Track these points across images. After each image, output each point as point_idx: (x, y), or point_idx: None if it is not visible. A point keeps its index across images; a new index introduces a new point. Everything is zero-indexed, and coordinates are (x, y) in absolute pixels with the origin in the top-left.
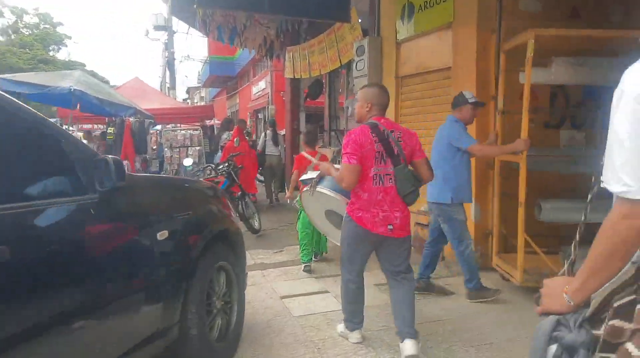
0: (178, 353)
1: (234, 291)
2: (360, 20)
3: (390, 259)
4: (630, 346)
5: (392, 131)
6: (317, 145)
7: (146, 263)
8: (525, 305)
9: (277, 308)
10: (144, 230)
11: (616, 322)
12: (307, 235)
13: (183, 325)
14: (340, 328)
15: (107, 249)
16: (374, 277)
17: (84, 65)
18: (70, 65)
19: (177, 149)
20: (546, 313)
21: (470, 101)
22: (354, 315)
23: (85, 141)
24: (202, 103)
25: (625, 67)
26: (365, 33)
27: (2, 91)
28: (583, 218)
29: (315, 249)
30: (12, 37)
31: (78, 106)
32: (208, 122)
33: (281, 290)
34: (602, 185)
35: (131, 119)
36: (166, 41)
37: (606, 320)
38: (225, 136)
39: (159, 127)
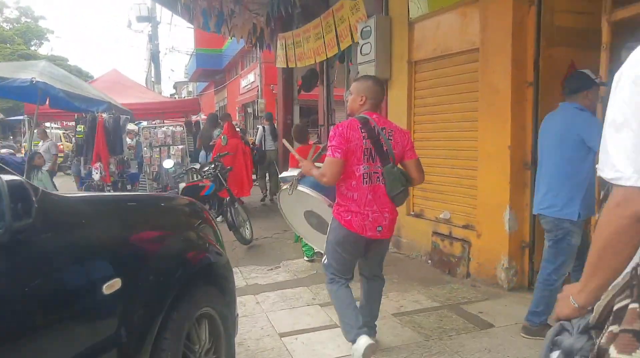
0: None
1: (221, 345)
2: None
3: (373, 260)
4: (611, 349)
5: (383, 128)
6: (309, 141)
7: (83, 332)
8: None
9: (276, 350)
10: (79, 282)
11: (614, 328)
12: None
13: None
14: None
15: (10, 321)
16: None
17: (66, 60)
18: (52, 60)
19: (158, 149)
20: (559, 319)
21: (597, 81)
22: (355, 319)
23: (41, 142)
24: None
25: None
26: (370, 14)
27: None
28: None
29: None
30: None
31: (47, 101)
32: (193, 118)
33: (280, 324)
34: (598, 174)
35: (104, 115)
36: (150, 33)
37: (607, 326)
38: (217, 132)
39: (144, 123)
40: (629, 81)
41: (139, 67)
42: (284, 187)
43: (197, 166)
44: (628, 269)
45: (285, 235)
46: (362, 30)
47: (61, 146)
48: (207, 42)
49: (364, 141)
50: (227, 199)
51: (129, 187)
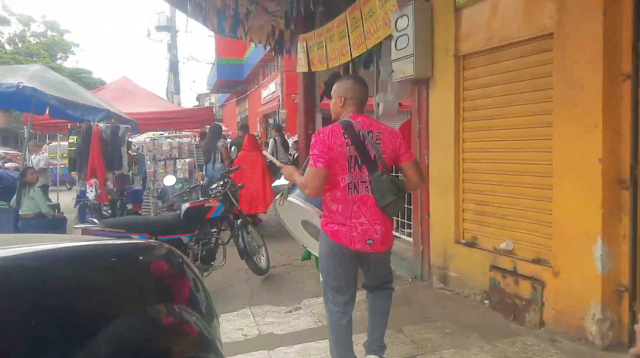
0: None
1: None
2: None
3: (372, 274)
4: None
5: (369, 132)
6: None
7: None
8: None
9: None
10: None
11: None
12: None
13: None
14: None
15: None
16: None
17: (91, 72)
18: (76, 73)
19: (163, 163)
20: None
21: None
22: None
23: (34, 155)
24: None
25: None
26: (403, 3)
27: None
28: None
29: None
30: (20, 45)
31: (47, 111)
32: (208, 129)
33: None
34: None
35: (100, 124)
36: (169, 42)
37: None
38: (220, 144)
39: (142, 137)
40: None
41: (162, 79)
42: (276, 197)
43: (203, 184)
44: None
45: (307, 262)
46: (396, 20)
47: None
48: (228, 52)
49: (347, 147)
50: (240, 222)
51: (129, 206)
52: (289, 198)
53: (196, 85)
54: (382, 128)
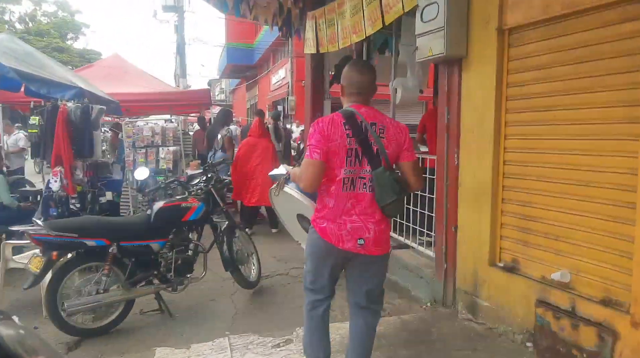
0: None
1: None
2: None
3: (359, 282)
4: None
5: (372, 124)
6: None
7: None
8: None
9: None
10: None
11: None
12: None
13: None
14: None
15: None
16: None
17: (100, 54)
18: (86, 54)
19: (143, 151)
20: None
21: None
22: (318, 350)
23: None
24: (222, 96)
25: None
26: None
27: None
28: None
29: None
30: (30, 25)
31: (22, 88)
32: (206, 114)
33: None
34: None
35: (69, 104)
36: (176, 23)
37: None
38: (224, 132)
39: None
40: None
41: (170, 62)
42: (272, 187)
43: (179, 181)
44: None
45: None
46: None
47: None
48: (239, 36)
49: (347, 139)
50: (225, 225)
51: (102, 200)
52: (285, 189)
53: (207, 70)
54: (386, 121)
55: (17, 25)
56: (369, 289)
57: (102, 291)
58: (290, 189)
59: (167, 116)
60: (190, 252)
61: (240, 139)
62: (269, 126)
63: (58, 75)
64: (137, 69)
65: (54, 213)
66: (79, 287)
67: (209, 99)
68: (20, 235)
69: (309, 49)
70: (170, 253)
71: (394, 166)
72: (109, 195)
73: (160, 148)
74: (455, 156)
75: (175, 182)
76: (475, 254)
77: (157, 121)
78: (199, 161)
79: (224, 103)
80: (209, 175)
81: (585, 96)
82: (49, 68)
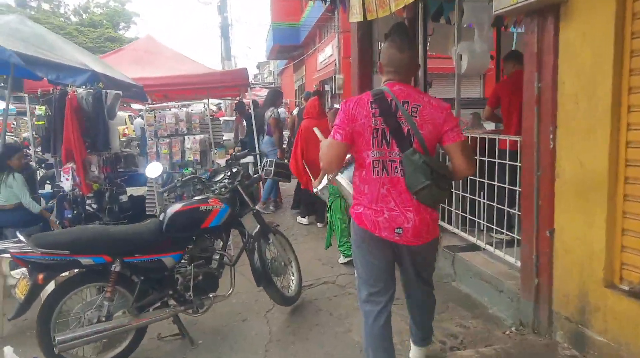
0: None
1: None
2: None
3: (410, 271)
4: None
5: (404, 102)
6: None
7: None
8: None
9: None
10: None
11: None
12: (344, 223)
13: None
14: None
15: None
16: None
17: None
18: None
19: (166, 140)
20: None
21: None
22: None
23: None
24: (271, 78)
25: None
26: None
27: None
28: None
29: None
30: (84, 16)
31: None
32: (246, 100)
33: None
34: None
35: (80, 90)
36: (219, 4)
37: None
38: (269, 113)
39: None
40: None
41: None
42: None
43: (200, 178)
44: None
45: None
46: None
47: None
48: (285, 15)
49: (373, 119)
50: (257, 230)
51: (122, 198)
52: (337, 177)
53: (254, 52)
54: (423, 100)
55: (72, 18)
56: (418, 272)
57: (104, 319)
58: (341, 177)
59: (204, 101)
60: (213, 265)
61: (298, 122)
62: (300, 107)
63: (69, 58)
64: (170, 50)
65: (69, 215)
66: (78, 313)
67: (246, 80)
68: None
69: (355, 16)
70: (189, 268)
71: (435, 149)
72: (135, 190)
73: (186, 137)
74: (551, 136)
75: (195, 179)
76: (583, 269)
77: (182, 106)
78: (239, 149)
79: (272, 85)
80: (235, 169)
81: None
82: (59, 50)
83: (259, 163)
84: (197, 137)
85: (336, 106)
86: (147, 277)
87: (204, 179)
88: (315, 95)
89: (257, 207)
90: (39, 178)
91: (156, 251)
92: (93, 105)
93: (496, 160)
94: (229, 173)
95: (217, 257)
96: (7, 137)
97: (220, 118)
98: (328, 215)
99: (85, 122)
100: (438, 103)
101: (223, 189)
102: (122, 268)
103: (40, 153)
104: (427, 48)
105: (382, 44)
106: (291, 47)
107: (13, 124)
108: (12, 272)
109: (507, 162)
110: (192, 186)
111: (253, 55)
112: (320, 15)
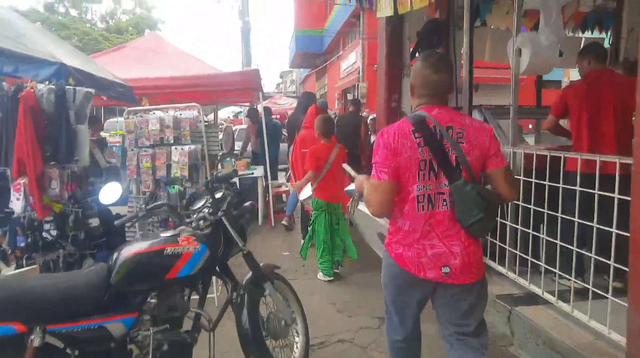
0: None
1: None
2: None
3: (450, 314)
4: None
5: (448, 128)
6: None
7: None
8: None
9: None
10: None
11: None
12: (326, 243)
13: None
14: None
15: None
16: None
17: None
18: None
19: (149, 150)
20: None
21: None
22: None
23: None
24: (293, 87)
25: None
26: None
27: None
28: None
29: (339, 257)
30: (110, 23)
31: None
32: (259, 107)
33: None
34: None
35: (40, 87)
36: (240, 8)
37: None
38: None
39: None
40: None
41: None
42: (347, 203)
43: (170, 205)
44: None
45: (378, 335)
46: None
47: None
48: (309, 22)
49: (419, 149)
50: (248, 277)
51: (92, 222)
52: (360, 207)
53: (276, 62)
54: (465, 123)
55: (99, 24)
56: (463, 323)
57: None
58: (364, 206)
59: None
60: (183, 332)
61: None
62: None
63: (39, 49)
64: (176, 48)
65: (22, 243)
66: None
67: (258, 82)
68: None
69: (383, 11)
70: (147, 335)
71: (480, 176)
72: (121, 209)
73: (173, 148)
74: None
75: (164, 207)
76: None
77: (167, 110)
78: (249, 160)
79: (295, 94)
80: (219, 195)
81: None
82: (26, 39)
83: (269, 177)
84: (187, 148)
85: (331, 111)
86: (85, 351)
87: (177, 208)
88: (357, 108)
89: (283, 222)
90: None
91: (99, 313)
92: (55, 106)
93: (560, 185)
94: (210, 200)
95: (193, 318)
96: None
97: (236, 126)
98: (310, 228)
99: (47, 126)
100: (480, 125)
101: (201, 222)
102: (44, 341)
103: None
104: (471, 49)
105: (412, 52)
106: (314, 54)
107: None
108: None
109: (577, 188)
110: (147, 214)
111: (276, 65)
112: (345, 21)
